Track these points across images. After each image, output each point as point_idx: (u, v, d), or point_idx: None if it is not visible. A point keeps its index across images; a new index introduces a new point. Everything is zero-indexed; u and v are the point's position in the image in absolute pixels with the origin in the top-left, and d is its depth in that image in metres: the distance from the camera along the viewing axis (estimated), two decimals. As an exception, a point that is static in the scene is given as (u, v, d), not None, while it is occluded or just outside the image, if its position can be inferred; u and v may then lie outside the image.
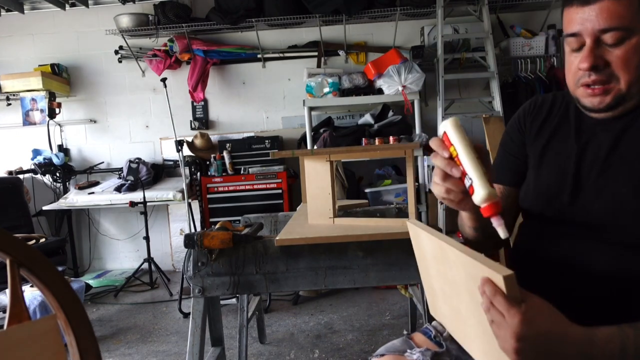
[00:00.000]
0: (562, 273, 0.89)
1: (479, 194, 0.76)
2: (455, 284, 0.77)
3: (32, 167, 4.13)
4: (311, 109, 3.81)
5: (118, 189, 3.91)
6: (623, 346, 0.68)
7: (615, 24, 0.79)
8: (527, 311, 0.64)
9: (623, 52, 0.80)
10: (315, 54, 4.21)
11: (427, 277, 0.92)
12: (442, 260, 0.79)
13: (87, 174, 4.32)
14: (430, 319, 0.99)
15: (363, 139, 3.59)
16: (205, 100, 4.33)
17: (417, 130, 3.71)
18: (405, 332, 1.12)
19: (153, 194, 3.84)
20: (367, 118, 3.88)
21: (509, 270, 0.64)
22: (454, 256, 0.73)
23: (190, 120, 4.34)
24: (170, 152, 4.29)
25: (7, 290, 0.74)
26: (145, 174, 4.03)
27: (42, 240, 3.29)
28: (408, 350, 0.99)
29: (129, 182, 3.95)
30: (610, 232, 0.84)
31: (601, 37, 0.81)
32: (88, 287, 3.48)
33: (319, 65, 4.20)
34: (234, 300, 2.99)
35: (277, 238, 1.44)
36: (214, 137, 4.23)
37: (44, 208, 4.01)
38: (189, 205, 3.69)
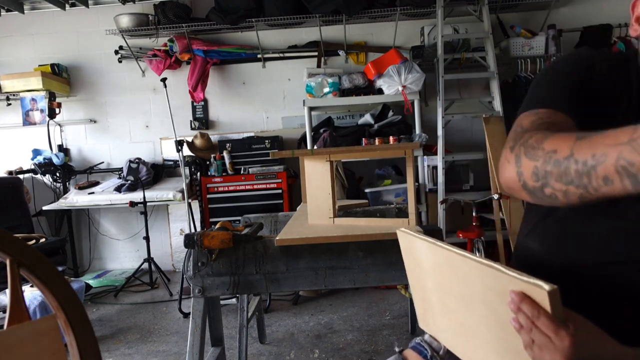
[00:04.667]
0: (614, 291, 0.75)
1: None
2: (464, 297, 0.72)
3: (32, 167, 4.13)
4: (311, 109, 3.81)
5: (118, 189, 3.91)
6: None
7: None
8: (576, 333, 0.59)
9: None
10: (315, 54, 4.21)
11: (420, 289, 0.87)
12: (446, 271, 0.74)
13: (87, 174, 4.32)
14: (420, 330, 0.95)
15: (363, 139, 3.59)
16: (205, 100, 4.33)
17: (417, 130, 3.70)
18: (396, 349, 1.07)
19: (153, 194, 3.84)
20: (367, 118, 3.88)
21: (550, 283, 0.57)
22: (468, 267, 0.67)
23: (190, 120, 4.34)
24: (170, 152, 4.29)
25: (7, 290, 0.74)
26: (145, 174, 4.03)
27: (42, 240, 3.29)
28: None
29: (129, 182, 3.95)
30: None
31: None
32: (88, 287, 3.49)
33: (319, 65, 4.20)
34: (234, 300, 2.99)
35: (277, 238, 1.44)
36: (214, 137, 4.23)
37: (44, 208, 4.01)
38: (189, 205, 3.69)
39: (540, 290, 0.56)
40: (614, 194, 0.60)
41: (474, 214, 3.05)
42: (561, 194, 0.66)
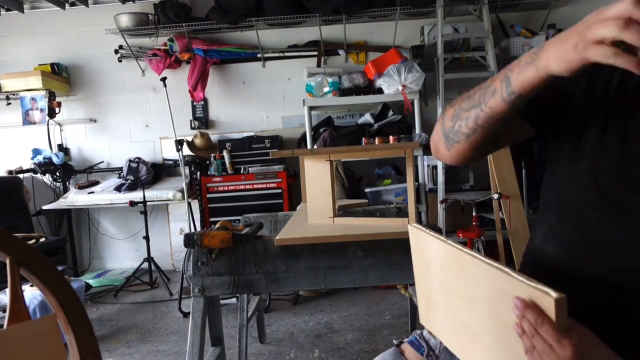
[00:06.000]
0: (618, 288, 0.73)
1: None
2: (469, 297, 0.71)
3: (32, 166, 4.12)
4: (311, 108, 3.81)
5: (118, 189, 3.91)
6: None
7: None
8: (579, 343, 0.59)
9: None
10: (315, 53, 4.21)
11: (424, 285, 0.87)
12: (454, 271, 0.74)
13: (87, 174, 4.32)
14: (420, 325, 0.96)
15: (363, 138, 3.59)
16: (205, 100, 4.33)
17: (417, 129, 3.70)
18: (395, 342, 1.08)
19: (153, 194, 3.83)
20: (367, 118, 3.88)
21: (558, 291, 0.57)
22: (478, 268, 0.67)
23: (190, 120, 4.34)
24: (170, 152, 4.29)
25: (7, 290, 0.74)
26: (145, 174, 4.03)
27: (42, 239, 3.29)
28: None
29: (129, 181, 3.94)
30: None
31: None
32: (88, 286, 3.48)
33: (318, 65, 4.20)
34: (234, 300, 2.99)
35: (277, 238, 1.44)
36: (214, 136, 4.23)
37: (44, 207, 4.01)
38: (189, 204, 3.69)
39: (547, 297, 0.56)
40: (497, 108, 0.70)
41: (473, 213, 3.05)
42: (464, 123, 0.77)
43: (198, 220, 3.81)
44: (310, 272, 1.47)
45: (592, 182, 0.75)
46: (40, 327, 0.71)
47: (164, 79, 3.70)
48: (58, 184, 4.33)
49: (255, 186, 3.74)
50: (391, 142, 3.46)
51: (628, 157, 0.72)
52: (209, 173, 3.86)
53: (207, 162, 3.92)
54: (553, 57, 0.60)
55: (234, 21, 3.93)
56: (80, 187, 4.11)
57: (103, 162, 4.41)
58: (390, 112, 3.86)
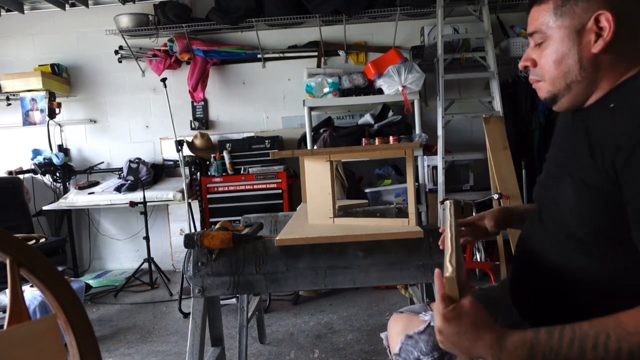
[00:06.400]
0: (523, 262, 1.03)
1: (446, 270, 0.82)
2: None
3: (32, 167, 4.13)
4: (311, 109, 3.81)
5: (118, 189, 3.91)
6: (531, 353, 0.74)
7: (534, 28, 0.92)
8: (448, 312, 0.78)
9: (543, 52, 0.91)
10: (315, 54, 4.21)
11: None
12: None
13: (87, 174, 4.32)
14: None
15: (363, 139, 3.59)
16: (205, 100, 4.33)
17: (417, 130, 3.70)
18: (426, 300, 1.28)
19: (153, 194, 3.84)
20: (367, 118, 3.88)
21: (455, 272, 0.77)
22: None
23: (190, 120, 4.34)
24: (170, 152, 4.28)
25: (7, 290, 0.74)
26: (145, 174, 4.03)
27: (42, 240, 3.29)
28: (422, 312, 1.13)
29: (129, 182, 3.94)
30: (556, 222, 0.92)
31: (531, 39, 0.94)
32: (88, 287, 3.48)
33: (319, 65, 4.20)
34: (234, 300, 2.99)
35: (277, 238, 1.44)
36: (214, 137, 4.23)
37: (44, 208, 4.01)
38: (189, 205, 3.69)
39: (446, 272, 0.79)
40: None
41: (473, 214, 3.05)
42: None
43: (198, 220, 3.81)
44: (310, 272, 1.47)
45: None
46: (40, 328, 0.71)
47: (164, 80, 3.70)
48: (58, 185, 4.33)
49: (255, 187, 3.74)
50: (391, 142, 3.46)
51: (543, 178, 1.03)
52: (209, 173, 3.86)
53: (207, 162, 3.92)
54: None
55: (234, 22, 3.93)
56: (81, 188, 4.11)
57: (103, 162, 4.41)
58: (390, 113, 3.86)
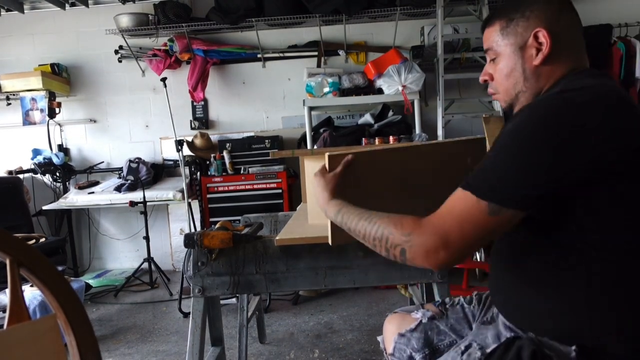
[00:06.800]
0: None
1: None
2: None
3: (32, 166, 4.13)
4: (311, 108, 3.81)
5: (118, 189, 3.91)
6: (339, 212, 1.04)
7: (487, 46, 1.03)
8: (317, 172, 1.13)
9: (497, 67, 1.01)
10: (315, 53, 4.21)
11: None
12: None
13: (87, 174, 4.32)
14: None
15: (363, 138, 3.59)
16: (205, 100, 4.33)
17: (417, 130, 3.70)
18: (421, 303, 1.35)
19: (153, 194, 3.84)
20: (367, 118, 3.88)
21: (334, 158, 1.12)
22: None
23: (190, 120, 4.34)
24: (170, 152, 4.29)
25: (7, 290, 0.74)
26: (145, 174, 4.03)
27: (42, 240, 3.29)
28: (415, 311, 1.19)
29: (129, 181, 3.95)
30: None
31: (487, 55, 1.04)
32: (88, 286, 3.48)
33: (319, 65, 4.20)
34: (234, 300, 2.99)
35: (277, 238, 1.44)
36: (214, 137, 4.23)
37: (44, 208, 4.01)
38: (189, 205, 3.69)
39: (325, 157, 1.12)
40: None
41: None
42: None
43: (198, 220, 3.81)
44: (310, 272, 1.47)
45: None
46: (40, 327, 0.71)
47: (164, 79, 3.70)
48: (58, 184, 4.33)
49: (255, 186, 3.74)
50: (391, 142, 3.45)
51: None
52: (209, 173, 3.86)
53: (207, 162, 3.92)
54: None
55: (234, 21, 3.93)
56: (81, 188, 4.11)
57: (103, 162, 4.41)
58: (390, 113, 3.86)
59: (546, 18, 0.94)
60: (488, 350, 0.93)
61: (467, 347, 0.97)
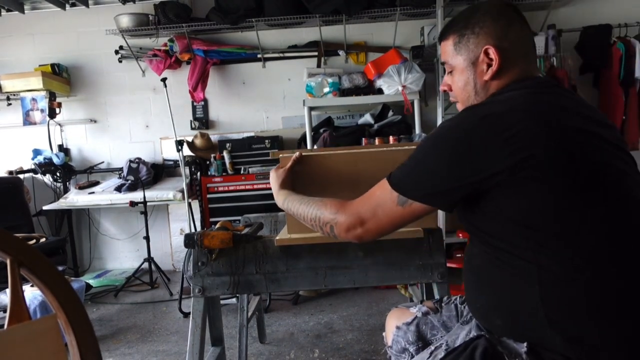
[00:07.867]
0: None
1: None
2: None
3: (33, 166, 4.13)
4: (311, 109, 3.81)
5: (118, 189, 3.91)
6: (285, 199, 1.32)
7: (443, 59, 1.08)
8: (274, 169, 1.45)
9: (453, 79, 1.07)
10: (315, 54, 4.21)
11: None
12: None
13: (87, 174, 4.32)
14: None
15: (363, 138, 3.59)
16: (205, 100, 4.33)
17: (417, 130, 3.70)
18: (421, 300, 1.42)
19: (153, 194, 3.84)
20: (367, 118, 3.88)
21: (289, 159, 1.42)
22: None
23: (190, 120, 4.34)
24: (170, 152, 4.29)
25: (8, 290, 0.74)
26: (145, 174, 4.03)
27: (42, 240, 3.29)
28: (413, 306, 1.25)
29: (129, 182, 3.95)
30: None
31: (446, 67, 1.09)
32: (88, 286, 3.48)
33: (319, 65, 4.20)
34: (234, 300, 2.99)
35: (277, 238, 1.44)
36: (214, 137, 4.23)
37: (44, 208, 4.01)
38: (189, 205, 3.69)
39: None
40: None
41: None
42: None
43: (198, 220, 3.81)
44: (310, 272, 1.47)
45: None
46: (40, 327, 0.71)
47: (164, 80, 3.70)
48: (58, 185, 4.33)
49: (255, 186, 3.74)
50: (391, 142, 3.45)
51: None
52: (209, 173, 3.86)
53: (208, 162, 3.92)
54: None
55: (234, 22, 3.93)
56: (81, 188, 4.11)
57: (103, 162, 4.41)
58: (390, 113, 3.86)
59: (495, 34, 0.99)
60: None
61: (437, 348, 1.01)
